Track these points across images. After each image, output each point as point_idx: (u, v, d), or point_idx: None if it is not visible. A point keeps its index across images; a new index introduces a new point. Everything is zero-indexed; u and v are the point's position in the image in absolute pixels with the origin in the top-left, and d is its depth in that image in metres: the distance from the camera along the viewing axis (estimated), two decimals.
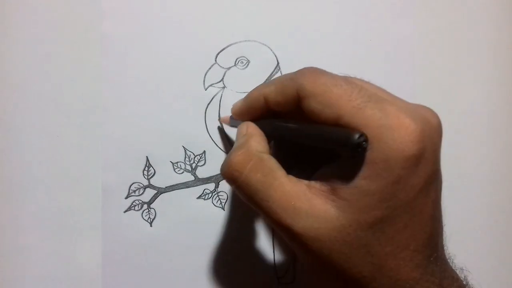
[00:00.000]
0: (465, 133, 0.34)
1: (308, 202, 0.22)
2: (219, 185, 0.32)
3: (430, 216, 0.23)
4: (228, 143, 0.32)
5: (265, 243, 0.32)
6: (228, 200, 0.32)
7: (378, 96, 0.22)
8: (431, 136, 0.22)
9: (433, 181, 0.22)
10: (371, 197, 0.21)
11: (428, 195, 0.22)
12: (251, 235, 0.32)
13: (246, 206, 0.32)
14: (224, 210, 0.32)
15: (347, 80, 0.23)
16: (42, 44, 0.31)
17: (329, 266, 0.22)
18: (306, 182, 0.23)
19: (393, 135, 0.21)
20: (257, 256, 0.32)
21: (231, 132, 0.32)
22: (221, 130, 0.32)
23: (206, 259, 0.32)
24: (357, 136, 0.20)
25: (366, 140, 0.21)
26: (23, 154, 0.31)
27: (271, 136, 0.26)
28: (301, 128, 0.24)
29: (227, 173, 0.24)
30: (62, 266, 0.31)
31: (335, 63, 0.33)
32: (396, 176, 0.21)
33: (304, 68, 0.24)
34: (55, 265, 0.31)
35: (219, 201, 0.32)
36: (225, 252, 0.32)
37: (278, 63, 0.32)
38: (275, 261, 0.32)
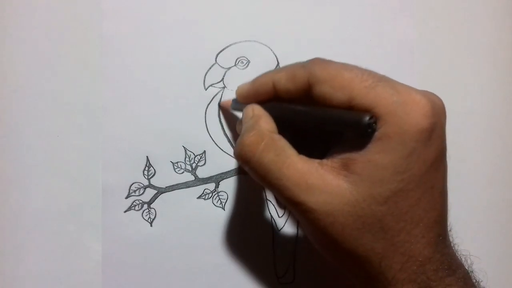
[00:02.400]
0: (465, 133, 0.34)
1: (320, 178, 0.22)
2: (219, 185, 0.32)
3: (440, 192, 0.23)
4: (228, 142, 0.32)
5: (265, 243, 0.32)
6: (228, 200, 0.32)
7: (388, 78, 0.23)
8: (439, 113, 0.22)
9: (443, 156, 0.23)
10: (384, 170, 0.21)
11: (438, 169, 0.23)
12: (251, 235, 0.32)
13: (246, 206, 0.32)
14: (224, 210, 0.32)
15: (356, 66, 0.23)
16: (42, 44, 0.31)
17: (341, 242, 0.22)
18: (317, 160, 0.24)
19: (406, 109, 0.21)
20: (257, 256, 0.32)
21: (231, 131, 0.32)
22: (222, 130, 0.32)
23: (206, 259, 0.32)
24: (367, 117, 0.21)
25: (375, 122, 0.21)
26: (23, 154, 0.31)
27: (275, 121, 0.26)
28: (310, 110, 0.24)
29: (241, 154, 0.24)
30: (62, 266, 0.31)
31: None
32: (410, 149, 0.21)
33: (314, 58, 0.25)
34: (55, 265, 0.31)
35: (219, 201, 0.32)
36: (225, 252, 0.32)
37: (278, 63, 0.33)
38: (275, 261, 0.32)
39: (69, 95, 0.31)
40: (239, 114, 0.31)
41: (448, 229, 0.24)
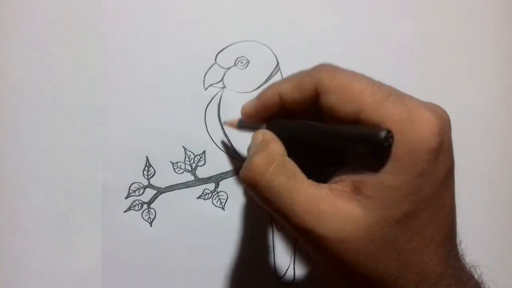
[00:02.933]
0: (465, 133, 0.34)
1: (332, 204, 0.22)
2: (219, 185, 0.32)
3: (451, 209, 0.23)
4: (228, 143, 0.32)
5: (265, 243, 0.32)
6: (228, 200, 0.32)
7: (396, 91, 0.22)
8: (446, 129, 0.22)
9: (451, 174, 0.23)
10: (397, 192, 0.21)
11: (448, 187, 0.22)
12: (251, 235, 0.32)
13: (246, 206, 0.32)
14: (224, 210, 0.32)
15: (365, 76, 0.23)
16: (42, 44, 0.31)
17: (355, 268, 0.22)
18: (326, 185, 0.23)
19: (416, 128, 0.21)
20: (257, 256, 0.32)
21: (231, 132, 0.32)
22: (222, 130, 0.32)
23: (206, 259, 0.32)
24: (384, 133, 0.20)
25: (392, 137, 0.21)
26: (23, 154, 0.31)
27: (284, 142, 0.25)
28: (322, 126, 0.23)
29: (248, 176, 0.23)
30: (62, 266, 0.31)
31: (335, 63, 0.33)
32: (421, 169, 0.21)
33: (320, 64, 0.24)
34: (55, 265, 0.31)
35: (219, 201, 0.32)
36: (225, 252, 0.32)
37: (278, 63, 0.32)
38: (275, 261, 0.32)
39: (69, 95, 0.31)
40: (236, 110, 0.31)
41: (458, 243, 0.24)
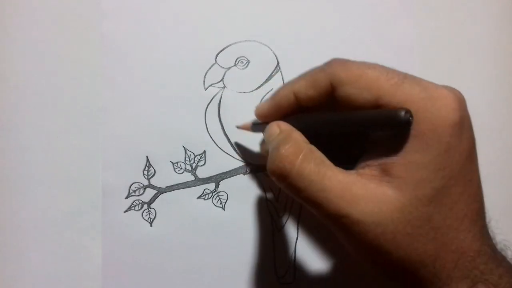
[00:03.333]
0: None
1: (363, 188, 0.22)
2: (219, 185, 0.32)
3: (478, 184, 0.23)
4: (228, 143, 0.32)
5: (265, 243, 0.32)
6: (228, 200, 0.32)
7: (411, 75, 0.23)
8: (464, 105, 0.22)
9: (474, 147, 0.23)
10: (426, 169, 0.21)
11: (473, 161, 0.22)
12: (251, 235, 0.32)
13: (246, 206, 0.32)
14: (224, 210, 0.32)
15: (377, 64, 0.23)
16: (42, 44, 0.31)
17: (393, 251, 0.21)
18: (353, 171, 0.23)
19: (437, 105, 0.21)
20: (257, 256, 0.32)
21: (231, 131, 0.32)
22: (222, 130, 0.32)
23: (206, 259, 0.32)
24: (403, 112, 0.20)
25: (412, 115, 0.21)
26: (23, 154, 0.31)
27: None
28: (340, 115, 0.23)
29: (278, 168, 0.23)
30: (62, 266, 0.31)
31: None
32: (446, 144, 0.21)
33: (331, 60, 0.24)
34: (55, 265, 0.31)
35: (219, 201, 0.32)
36: (225, 252, 0.32)
37: (278, 63, 0.33)
38: (275, 261, 0.32)
39: (69, 95, 0.31)
40: (236, 110, 0.32)
41: (488, 221, 0.24)
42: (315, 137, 0.25)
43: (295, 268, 0.32)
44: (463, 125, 0.22)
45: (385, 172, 0.22)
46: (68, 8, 0.31)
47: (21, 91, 0.31)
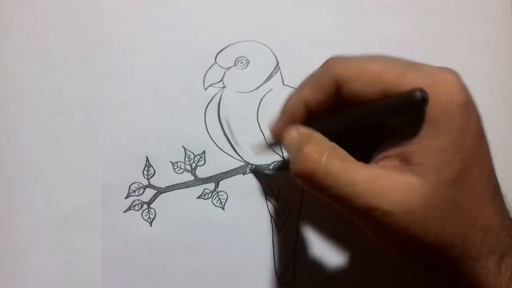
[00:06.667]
0: None
1: (388, 178, 0.22)
2: (219, 185, 0.32)
3: (490, 161, 0.23)
4: (228, 143, 0.32)
5: (265, 243, 0.32)
6: (227, 200, 0.32)
7: (412, 62, 0.23)
8: (464, 84, 0.23)
9: (482, 124, 0.23)
10: (444, 153, 0.21)
11: (484, 139, 0.23)
12: (251, 235, 0.32)
13: (246, 206, 0.32)
14: (224, 210, 0.32)
15: (377, 56, 0.23)
16: (42, 44, 0.31)
17: (424, 236, 0.22)
18: (374, 164, 0.23)
19: (443, 89, 0.21)
20: (257, 256, 0.32)
21: (231, 131, 0.32)
22: (222, 130, 0.32)
23: (206, 259, 0.32)
24: (418, 92, 0.21)
25: (427, 94, 0.21)
26: (23, 154, 0.31)
27: None
28: (355, 111, 0.23)
29: (304, 168, 0.23)
30: (62, 266, 0.31)
31: None
32: (458, 126, 0.21)
33: (329, 59, 0.24)
34: (55, 265, 0.31)
35: (219, 201, 0.32)
36: (225, 252, 0.32)
37: (278, 63, 0.33)
38: (275, 261, 0.32)
39: (69, 95, 0.31)
40: (236, 110, 0.32)
41: (504, 195, 0.24)
42: (330, 139, 0.25)
43: (295, 268, 0.32)
44: (469, 105, 0.22)
45: (405, 161, 0.22)
46: (68, 8, 0.31)
47: (21, 91, 0.31)
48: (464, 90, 0.22)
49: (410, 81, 0.22)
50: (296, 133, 0.25)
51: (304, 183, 0.24)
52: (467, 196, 0.22)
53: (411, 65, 0.22)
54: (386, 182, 0.22)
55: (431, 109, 0.21)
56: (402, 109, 0.21)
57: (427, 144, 0.22)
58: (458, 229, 0.22)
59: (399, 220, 0.22)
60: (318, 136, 0.24)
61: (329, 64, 0.24)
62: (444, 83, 0.22)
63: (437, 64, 0.23)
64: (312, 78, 0.25)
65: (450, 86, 0.22)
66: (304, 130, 0.25)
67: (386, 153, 0.23)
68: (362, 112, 0.23)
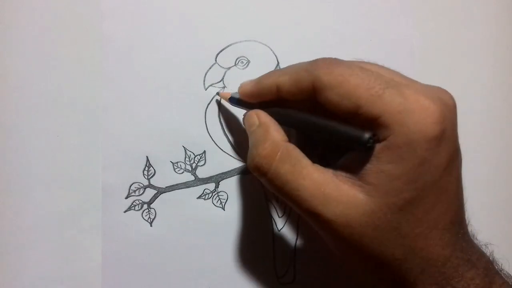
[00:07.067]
0: (465, 133, 0.34)
1: (336, 189, 0.23)
2: (219, 185, 0.32)
3: (455, 194, 0.23)
4: (228, 143, 0.32)
5: (265, 243, 0.32)
6: (228, 200, 0.32)
7: (395, 81, 0.22)
8: (449, 116, 0.22)
9: (455, 159, 0.23)
10: (397, 180, 0.21)
11: (451, 173, 0.23)
12: (251, 235, 0.32)
13: (246, 206, 0.32)
14: (224, 210, 0.32)
15: (363, 68, 0.23)
16: (42, 44, 0.31)
17: (360, 251, 0.22)
18: (331, 170, 0.24)
19: (414, 118, 0.21)
20: (257, 256, 0.32)
21: (231, 131, 0.32)
22: (222, 130, 0.32)
23: (206, 259, 0.32)
24: (367, 136, 0.21)
25: (374, 141, 0.22)
26: (23, 154, 0.31)
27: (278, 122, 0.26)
28: (314, 121, 0.24)
29: (257, 167, 0.24)
30: (62, 266, 0.31)
31: None
32: (421, 158, 0.21)
33: (319, 59, 0.24)
34: (55, 265, 0.31)
35: (219, 201, 0.32)
36: (225, 252, 0.32)
37: (278, 63, 0.33)
38: (275, 261, 0.32)
39: (69, 95, 0.31)
40: (236, 110, 0.32)
41: (466, 222, 0.24)
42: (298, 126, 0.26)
43: (295, 268, 0.32)
44: (442, 138, 0.21)
45: (359, 177, 0.22)
46: (68, 8, 0.31)
47: (21, 91, 0.31)
48: (442, 122, 0.21)
49: (384, 104, 0.21)
50: (256, 119, 0.26)
51: (258, 178, 0.25)
52: (413, 225, 0.22)
53: (391, 86, 0.22)
54: (332, 192, 0.22)
55: (397, 136, 0.21)
56: (351, 142, 0.22)
57: (383, 168, 0.22)
58: (397, 254, 0.22)
59: (339, 230, 0.22)
60: (275, 135, 0.25)
61: (314, 64, 0.24)
62: (418, 112, 0.21)
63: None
64: (294, 70, 0.25)
65: (423, 116, 0.21)
66: (265, 120, 0.26)
67: (347, 162, 0.23)
68: (321, 124, 0.23)
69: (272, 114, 0.26)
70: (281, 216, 0.33)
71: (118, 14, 0.32)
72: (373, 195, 0.22)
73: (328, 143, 0.26)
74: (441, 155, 0.22)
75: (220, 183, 0.32)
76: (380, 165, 0.22)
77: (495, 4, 0.35)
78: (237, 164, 0.32)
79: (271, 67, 0.32)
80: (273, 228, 0.32)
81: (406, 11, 0.34)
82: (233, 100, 0.30)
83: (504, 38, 0.35)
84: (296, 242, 0.33)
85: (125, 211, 0.31)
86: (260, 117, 0.26)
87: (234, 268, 0.32)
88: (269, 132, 0.25)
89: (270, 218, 0.32)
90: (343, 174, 0.23)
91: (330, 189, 0.23)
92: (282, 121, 0.26)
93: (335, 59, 0.24)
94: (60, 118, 0.31)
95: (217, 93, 0.32)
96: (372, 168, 0.22)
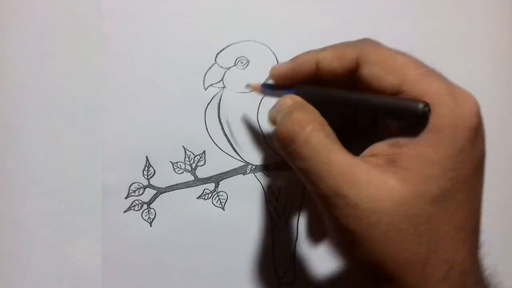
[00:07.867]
0: None
1: (367, 172, 0.20)
2: (219, 185, 0.32)
3: (480, 198, 0.22)
4: (228, 143, 0.32)
5: (265, 243, 0.32)
6: (227, 200, 0.32)
7: (438, 71, 0.22)
8: (481, 113, 0.21)
9: (483, 160, 0.22)
10: (436, 166, 0.20)
11: (480, 174, 0.21)
12: (251, 235, 0.32)
13: (246, 206, 0.32)
14: (224, 210, 0.32)
15: (408, 53, 0.23)
16: (42, 44, 0.31)
17: (382, 245, 0.20)
18: (359, 157, 0.22)
19: (459, 104, 0.20)
20: (257, 256, 0.32)
21: (231, 131, 0.32)
22: (222, 130, 0.32)
23: (206, 259, 0.32)
24: (421, 105, 0.20)
25: (430, 110, 0.20)
26: (23, 154, 0.31)
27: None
28: (361, 96, 0.22)
29: (287, 130, 0.22)
30: (62, 266, 0.31)
31: None
32: (461, 146, 0.20)
33: (363, 38, 0.24)
34: (55, 265, 0.31)
35: (219, 201, 0.32)
36: (225, 252, 0.32)
37: (278, 63, 0.32)
38: (275, 261, 0.32)
39: (69, 95, 0.31)
40: (236, 109, 0.32)
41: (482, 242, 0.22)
42: (328, 119, 0.24)
43: (295, 268, 0.32)
44: (479, 131, 0.21)
45: (392, 163, 0.20)
46: (68, 8, 0.31)
47: (21, 91, 0.31)
48: (480, 116, 0.21)
49: (430, 84, 0.21)
50: (291, 101, 0.24)
51: (283, 147, 0.22)
52: (443, 219, 0.20)
53: (437, 72, 0.22)
54: (362, 175, 0.20)
55: (440, 118, 0.20)
56: (403, 113, 0.21)
57: (421, 152, 0.20)
58: (421, 252, 0.20)
59: (363, 217, 0.20)
60: (311, 108, 0.23)
61: (360, 41, 0.23)
62: (463, 98, 0.21)
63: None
64: (337, 46, 0.24)
65: (468, 104, 0.20)
66: (299, 99, 0.24)
67: (375, 151, 0.22)
68: (366, 99, 0.22)
69: (308, 93, 0.24)
70: (281, 216, 0.33)
71: (118, 14, 0.32)
72: (407, 182, 0.20)
73: (360, 128, 0.24)
74: (476, 150, 0.21)
75: (220, 183, 0.32)
76: (418, 148, 0.20)
77: (495, 4, 0.35)
78: (237, 164, 0.32)
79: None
80: (273, 228, 0.32)
81: (406, 11, 0.34)
82: (265, 87, 0.28)
83: (504, 38, 0.35)
84: (296, 242, 0.33)
85: (125, 211, 0.31)
86: (294, 98, 0.24)
87: (234, 268, 0.32)
88: (305, 104, 0.23)
89: (270, 218, 0.32)
90: (373, 160, 0.21)
91: (361, 171, 0.20)
92: (318, 101, 0.24)
93: (380, 42, 0.23)
94: (60, 118, 0.31)
95: (247, 85, 0.30)
96: (409, 152, 0.20)
